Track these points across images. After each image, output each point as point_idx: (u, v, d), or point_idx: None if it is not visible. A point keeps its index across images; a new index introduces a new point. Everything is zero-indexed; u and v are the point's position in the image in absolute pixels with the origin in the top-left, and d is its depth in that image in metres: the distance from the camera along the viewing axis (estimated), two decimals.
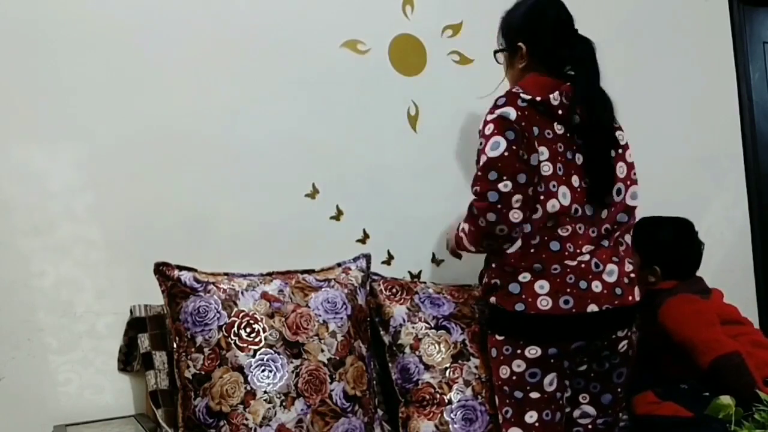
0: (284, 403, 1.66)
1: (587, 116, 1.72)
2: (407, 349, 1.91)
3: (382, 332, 1.96)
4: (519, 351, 1.69)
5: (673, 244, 2.15)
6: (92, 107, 1.92)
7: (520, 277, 1.68)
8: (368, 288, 1.99)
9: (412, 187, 2.31)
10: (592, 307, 1.67)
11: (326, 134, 2.19)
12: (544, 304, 1.66)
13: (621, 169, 1.80)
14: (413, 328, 1.93)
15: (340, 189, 2.19)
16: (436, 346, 1.91)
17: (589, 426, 1.80)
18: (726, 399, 1.86)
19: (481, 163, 1.68)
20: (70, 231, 1.88)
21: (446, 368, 1.89)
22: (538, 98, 1.70)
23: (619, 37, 2.75)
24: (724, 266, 2.92)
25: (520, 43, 1.81)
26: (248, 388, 1.64)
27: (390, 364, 1.93)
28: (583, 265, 1.68)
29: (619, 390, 1.80)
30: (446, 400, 1.85)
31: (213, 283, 1.74)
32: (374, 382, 1.90)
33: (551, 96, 1.70)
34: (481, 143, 1.70)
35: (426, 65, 2.35)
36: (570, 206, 1.70)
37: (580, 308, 1.66)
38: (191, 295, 1.71)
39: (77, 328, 1.87)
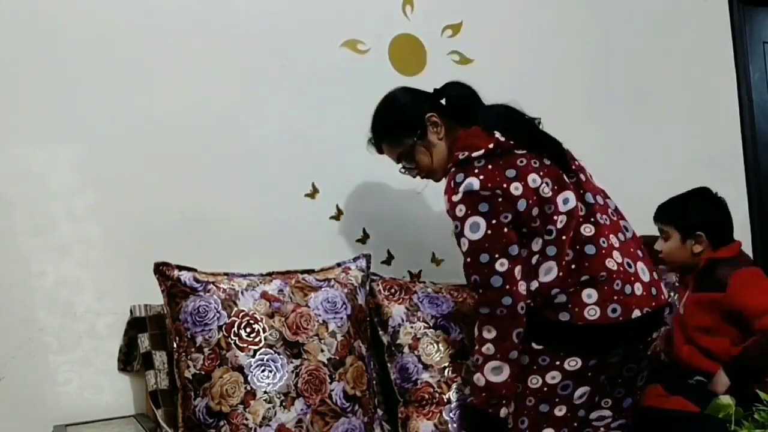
0: (284, 403, 1.65)
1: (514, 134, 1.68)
2: (406, 349, 1.91)
3: (381, 332, 1.96)
4: (558, 362, 1.61)
5: (707, 206, 2.12)
6: (92, 107, 1.92)
7: (568, 288, 1.60)
8: (368, 288, 1.99)
9: (412, 187, 2.30)
10: (636, 313, 1.61)
11: (326, 134, 2.19)
12: (592, 313, 1.58)
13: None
14: (412, 327, 1.93)
15: (340, 189, 2.20)
16: (435, 345, 1.91)
17: (602, 429, 1.74)
18: (726, 399, 1.86)
19: (466, 248, 1.61)
20: (70, 231, 1.88)
21: (445, 367, 1.89)
22: (490, 145, 1.64)
23: (619, 37, 2.75)
24: None
25: (428, 115, 1.76)
26: (248, 388, 1.64)
27: (389, 364, 1.93)
28: (621, 268, 1.62)
29: (639, 393, 1.77)
30: (445, 400, 1.85)
31: (213, 283, 1.74)
32: (374, 382, 1.90)
33: (497, 136, 1.65)
34: (456, 226, 1.63)
35: (426, 65, 2.35)
36: (576, 208, 1.66)
37: (627, 315, 1.60)
38: (191, 294, 1.71)
39: (77, 328, 1.87)
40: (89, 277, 1.89)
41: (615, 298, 1.59)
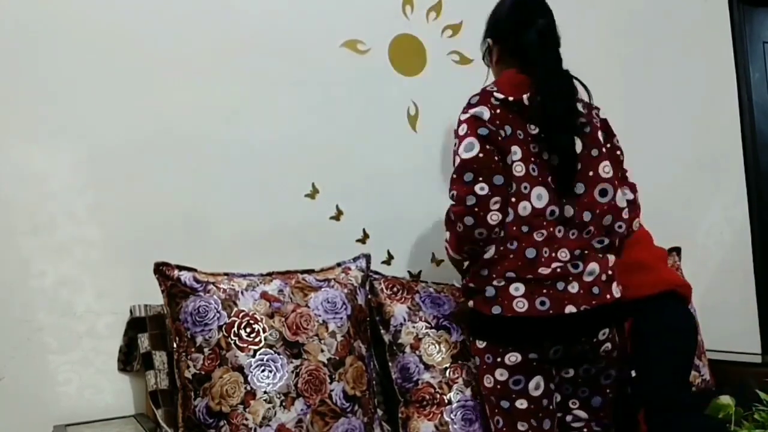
0: (284, 403, 1.65)
1: (541, 106, 1.67)
2: (407, 349, 1.91)
3: (382, 331, 1.96)
4: (500, 359, 1.66)
5: None
6: (92, 107, 1.91)
7: (495, 282, 1.65)
8: (368, 287, 1.99)
9: (412, 187, 2.31)
10: (570, 308, 1.63)
11: (326, 134, 2.19)
12: (520, 306, 1.62)
13: (606, 169, 1.72)
14: (414, 327, 1.93)
15: (340, 189, 2.20)
16: (437, 345, 1.91)
17: (584, 430, 1.78)
18: (726, 399, 1.86)
19: (456, 165, 1.66)
20: (70, 231, 1.88)
21: (446, 368, 1.89)
22: (511, 98, 1.68)
23: (619, 37, 2.76)
24: (724, 266, 2.93)
25: (488, 39, 1.86)
26: (248, 388, 1.64)
27: (390, 364, 1.93)
28: (558, 270, 1.64)
29: (608, 391, 1.77)
30: (446, 400, 1.85)
31: (213, 283, 1.74)
32: (374, 382, 1.90)
33: (524, 97, 1.68)
34: (455, 144, 1.68)
35: (426, 65, 2.35)
36: (546, 208, 1.66)
37: (558, 309, 1.62)
38: (191, 295, 1.71)
39: (77, 328, 1.87)
40: (89, 277, 1.89)
41: (544, 291, 1.63)
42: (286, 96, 2.15)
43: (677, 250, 2.60)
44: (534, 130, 1.68)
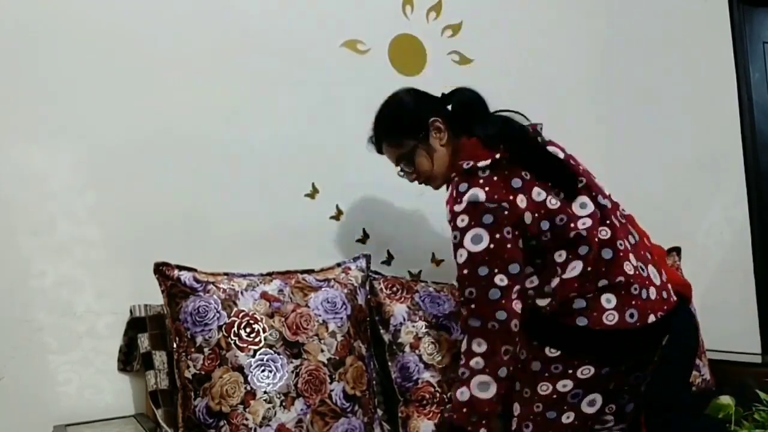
0: (284, 403, 1.65)
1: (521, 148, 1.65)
2: (407, 348, 1.91)
3: (382, 331, 1.96)
4: (571, 371, 1.57)
5: None
6: (92, 107, 1.91)
7: (587, 294, 1.58)
8: (368, 287, 1.99)
9: (412, 187, 2.30)
10: (651, 318, 1.58)
11: (326, 134, 2.19)
12: (611, 318, 1.55)
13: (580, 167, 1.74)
14: (413, 326, 1.93)
15: (340, 189, 2.20)
16: (436, 345, 1.91)
17: None
18: (726, 399, 1.86)
19: (463, 259, 1.57)
20: (70, 231, 1.88)
21: (446, 367, 1.89)
22: (497, 156, 1.61)
23: (619, 37, 2.76)
24: (724, 266, 2.93)
25: (431, 119, 1.74)
26: (248, 388, 1.64)
27: (390, 363, 1.93)
28: (636, 272, 1.60)
29: (640, 398, 1.74)
30: (446, 399, 1.85)
31: (213, 283, 1.74)
32: (374, 382, 1.90)
33: (500, 150, 1.62)
34: (455, 236, 1.59)
35: (426, 65, 2.35)
36: (595, 211, 1.62)
37: (643, 320, 1.57)
38: (191, 295, 1.71)
39: (77, 328, 1.87)
40: (89, 277, 1.89)
41: (633, 303, 1.57)
42: (286, 96, 2.15)
43: (677, 250, 2.59)
44: (527, 175, 1.62)
